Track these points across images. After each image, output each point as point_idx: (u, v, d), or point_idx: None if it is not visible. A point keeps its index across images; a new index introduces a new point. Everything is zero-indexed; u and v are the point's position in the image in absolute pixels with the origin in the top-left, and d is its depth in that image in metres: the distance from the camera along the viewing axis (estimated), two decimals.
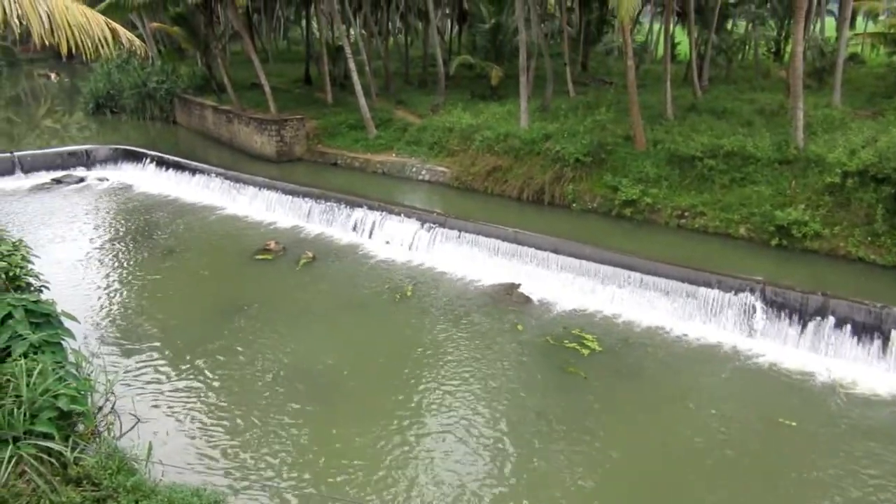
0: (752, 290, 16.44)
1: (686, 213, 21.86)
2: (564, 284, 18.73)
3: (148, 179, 30.10)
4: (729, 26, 41.27)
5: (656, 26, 49.47)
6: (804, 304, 15.84)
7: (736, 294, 16.58)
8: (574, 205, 23.93)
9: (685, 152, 22.82)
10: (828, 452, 12.37)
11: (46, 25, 9.58)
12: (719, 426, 13.04)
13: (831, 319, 15.41)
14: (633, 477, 11.76)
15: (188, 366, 14.88)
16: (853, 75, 33.14)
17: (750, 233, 20.58)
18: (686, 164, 22.81)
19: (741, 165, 22.00)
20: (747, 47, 42.62)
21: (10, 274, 13.37)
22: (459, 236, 20.99)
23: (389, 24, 49.76)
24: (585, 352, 15.63)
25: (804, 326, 15.73)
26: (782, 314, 16.03)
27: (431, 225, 21.65)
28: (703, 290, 16.97)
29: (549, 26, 40.62)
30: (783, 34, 43.24)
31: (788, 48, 39.21)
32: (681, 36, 43.15)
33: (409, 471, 11.74)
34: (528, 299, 18.39)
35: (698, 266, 17.71)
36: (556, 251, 19.25)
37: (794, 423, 13.06)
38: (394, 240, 22.08)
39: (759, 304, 16.27)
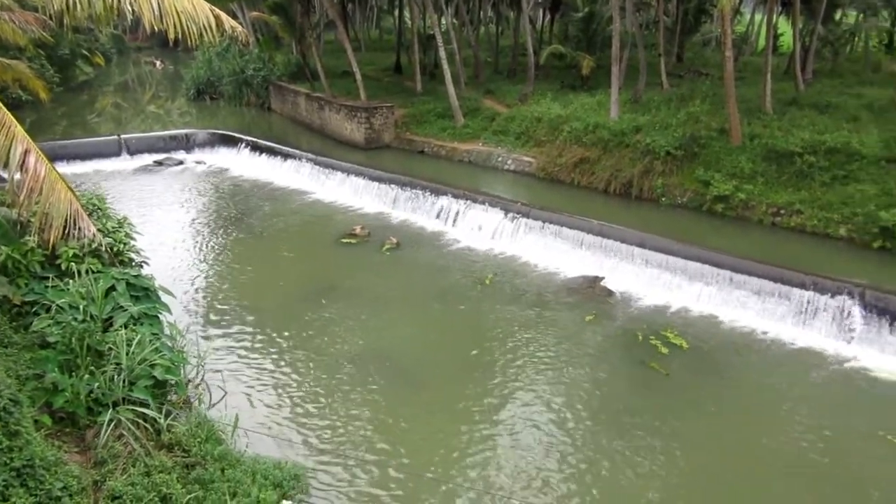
0: (850, 294, 15.62)
1: (782, 211, 20.97)
2: (649, 279, 18.32)
3: (242, 163, 31.21)
4: (837, 17, 39.11)
5: (758, 16, 47.37)
6: None
7: (832, 297, 15.80)
8: (663, 199, 23.35)
9: (784, 147, 21.88)
10: None
11: (156, 12, 10.05)
12: (807, 435, 12.48)
13: None
14: (710, 481, 11.43)
15: (274, 343, 15.40)
16: None
17: (850, 233, 19.57)
18: (784, 160, 21.85)
19: (844, 163, 20.93)
20: (857, 39, 40.29)
21: (115, 249, 14.12)
22: (543, 227, 20.84)
23: (481, 13, 49.66)
24: (668, 349, 15.26)
25: None
26: (883, 320, 15.15)
27: (515, 215, 21.57)
28: (796, 291, 16.25)
29: (644, 16, 39.57)
30: None
31: None
32: (784, 27, 41.21)
33: (479, 455, 11.81)
34: (611, 293, 18.10)
35: (792, 266, 16.98)
36: (641, 245, 18.83)
37: (895, 440, 12.38)
38: (477, 228, 22.12)
39: (857, 309, 15.44)
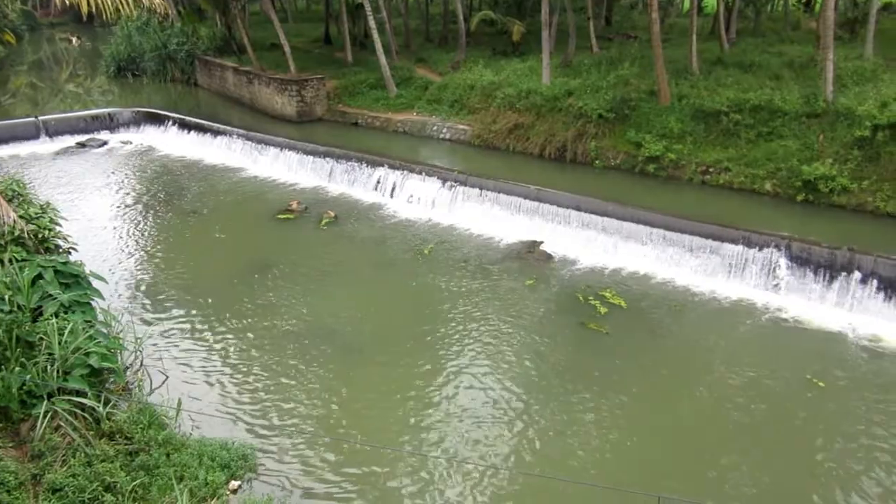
0: (776, 247, 16.26)
1: (710, 169, 21.56)
2: (586, 241, 18.66)
3: (170, 142, 30.24)
4: None
5: None
6: (830, 259, 15.66)
7: (760, 250, 16.42)
8: (596, 162, 23.69)
9: (710, 107, 22.41)
10: (850, 408, 12.34)
11: None
12: (741, 382, 13.03)
13: (857, 275, 15.24)
14: (653, 432, 11.82)
15: (214, 323, 15.13)
16: (887, 26, 32.15)
17: (776, 188, 20.28)
18: (711, 119, 22.41)
19: (768, 120, 21.58)
20: None
21: (40, 236, 13.58)
22: (481, 194, 20.92)
23: None
24: (607, 309, 15.63)
25: (830, 282, 15.58)
26: (807, 270, 15.87)
27: (453, 183, 21.59)
28: (727, 246, 16.82)
29: None
30: None
31: None
32: None
33: (429, 421, 11.93)
34: (549, 256, 18.37)
35: (722, 222, 17.52)
36: (577, 208, 19.12)
37: (820, 383, 13.02)
38: (415, 199, 22.07)
39: (783, 261, 16.10)
